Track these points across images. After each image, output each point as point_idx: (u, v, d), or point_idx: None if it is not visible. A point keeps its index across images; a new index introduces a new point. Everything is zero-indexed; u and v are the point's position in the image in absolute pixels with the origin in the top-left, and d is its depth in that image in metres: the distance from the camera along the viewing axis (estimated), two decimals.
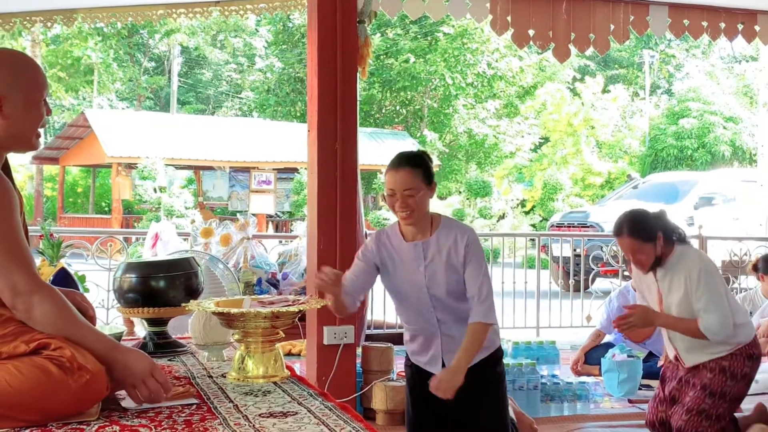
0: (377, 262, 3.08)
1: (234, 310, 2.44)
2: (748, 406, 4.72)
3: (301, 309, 2.51)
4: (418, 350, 3.14)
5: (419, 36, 28.36)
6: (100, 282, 6.04)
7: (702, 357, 3.68)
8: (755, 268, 6.21)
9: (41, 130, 2.16)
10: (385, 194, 3.06)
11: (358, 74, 4.65)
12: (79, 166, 27.66)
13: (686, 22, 5.91)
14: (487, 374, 3.09)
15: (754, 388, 5.26)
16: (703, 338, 3.58)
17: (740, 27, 6.04)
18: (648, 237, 3.62)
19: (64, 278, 3.13)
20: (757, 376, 5.40)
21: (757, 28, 6.06)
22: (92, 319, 2.31)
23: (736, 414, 3.94)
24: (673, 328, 3.69)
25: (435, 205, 23.82)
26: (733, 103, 28.01)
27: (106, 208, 26.77)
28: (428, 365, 3.11)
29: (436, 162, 26.06)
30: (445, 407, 3.01)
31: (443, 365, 3.05)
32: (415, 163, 3.07)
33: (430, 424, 3.16)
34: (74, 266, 4.70)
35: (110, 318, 6.06)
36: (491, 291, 3.01)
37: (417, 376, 3.17)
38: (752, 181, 14.44)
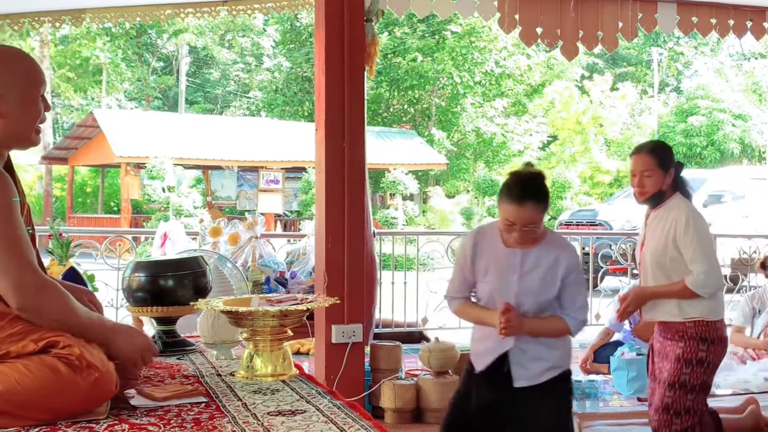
0: (470, 262, 3.00)
1: (242, 309, 2.45)
2: (738, 404, 4.71)
3: (309, 307, 2.51)
4: (483, 352, 3.02)
5: (427, 34, 28.32)
6: (109, 281, 6.05)
7: (657, 314, 3.59)
8: (763, 266, 6.18)
9: (41, 126, 2.16)
10: (500, 220, 2.95)
11: (365, 73, 4.65)
12: (88, 166, 27.72)
13: (695, 19, 5.89)
14: (557, 392, 3.00)
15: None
16: (693, 296, 3.45)
17: (749, 24, 6.01)
18: (664, 164, 3.62)
19: (73, 277, 3.14)
20: (749, 377, 5.39)
21: (765, 25, 6.03)
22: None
23: (724, 415, 3.89)
24: (666, 295, 3.54)
25: (443, 204, 23.84)
26: (742, 100, 27.91)
27: (115, 208, 26.83)
28: (490, 369, 3.00)
29: (443, 161, 26.07)
30: (502, 423, 2.96)
31: (508, 373, 2.96)
32: (539, 198, 2.96)
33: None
34: (83, 266, 4.71)
35: (119, 317, 6.07)
36: (586, 319, 3.01)
37: (477, 387, 3.04)
38: (761, 178, 14.39)
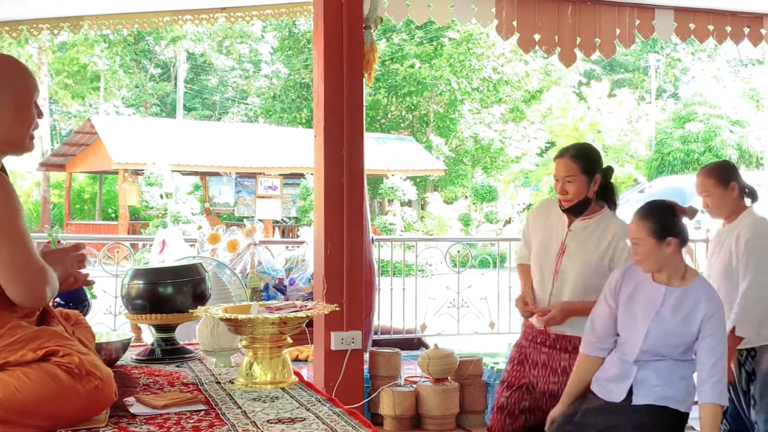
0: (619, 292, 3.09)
1: (242, 316, 2.45)
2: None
3: (309, 315, 2.51)
4: (608, 378, 3.11)
5: (424, 41, 28.37)
6: (107, 288, 6.04)
7: (565, 327, 3.42)
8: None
9: (34, 132, 2.18)
10: (630, 241, 3.07)
11: (364, 80, 4.65)
12: (85, 173, 27.72)
13: (692, 25, 5.90)
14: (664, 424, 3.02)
15: None
16: None
17: (746, 30, 6.02)
18: (588, 169, 3.42)
19: None
20: None
21: (763, 31, 6.05)
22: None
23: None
24: (585, 313, 3.35)
25: (441, 210, 23.81)
26: (739, 106, 27.95)
27: (113, 215, 26.82)
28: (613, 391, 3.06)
29: (441, 167, 26.10)
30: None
31: (629, 394, 3.02)
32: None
33: None
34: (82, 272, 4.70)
35: (117, 324, 6.06)
36: (725, 370, 2.98)
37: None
38: (759, 184, 14.40)
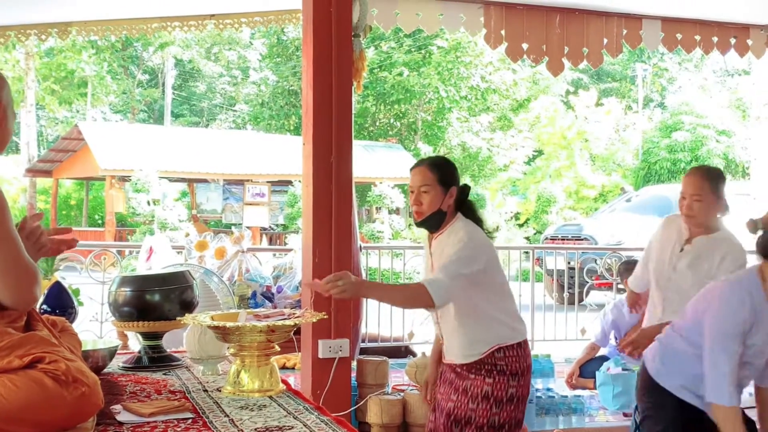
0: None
1: (230, 324, 2.44)
2: None
3: (297, 323, 2.50)
4: None
5: (413, 49, 28.43)
6: (94, 295, 6.02)
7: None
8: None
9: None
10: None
11: (353, 88, 4.66)
12: (72, 179, 27.60)
13: (679, 35, 5.94)
14: None
15: None
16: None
17: (733, 41, 6.07)
18: (444, 180, 3.22)
19: (58, 292, 3.11)
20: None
21: (749, 42, 6.10)
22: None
23: None
24: (389, 297, 3.25)
25: None
26: (725, 116, 28.11)
27: (100, 221, 26.71)
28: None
29: None
30: None
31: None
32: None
33: None
34: (68, 279, 4.67)
35: (104, 332, 6.04)
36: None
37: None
38: (745, 194, 14.46)
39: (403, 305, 3.35)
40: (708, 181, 3.75)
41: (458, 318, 3.19)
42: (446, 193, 3.20)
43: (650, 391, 3.28)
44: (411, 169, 3.30)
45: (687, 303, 3.31)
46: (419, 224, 3.31)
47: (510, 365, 3.15)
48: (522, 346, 3.22)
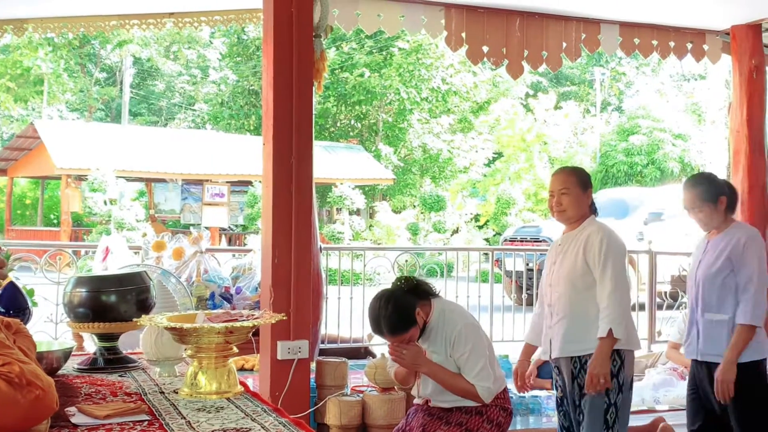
0: None
1: (187, 325, 2.42)
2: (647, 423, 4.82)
3: (256, 324, 2.49)
4: None
5: (374, 50, 28.46)
6: (48, 296, 5.93)
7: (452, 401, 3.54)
8: None
9: None
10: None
11: (313, 88, 4.65)
12: (27, 178, 27.20)
13: (637, 40, 6.02)
14: None
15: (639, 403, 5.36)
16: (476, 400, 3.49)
17: (689, 46, 6.17)
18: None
19: (12, 292, 3.05)
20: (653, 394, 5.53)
21: (705, 47, 6.20)
22: None
23: None
24: (441, 382, 3.51)
25: (389, 219, 23.84)
26: (682, 120, 28.58)
27: (55, 221, 26.33)
28: None
29: (390, 176, 26.19)
30: None
31: None
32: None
33: None
34: (23, 279, 4.60)
35: (59, 333, 5.95)
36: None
37: None
38: None
39: (452, 391, 3.53)
40: (573, 176, 3.85)
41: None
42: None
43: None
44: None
45: (569, 303, 3.63)
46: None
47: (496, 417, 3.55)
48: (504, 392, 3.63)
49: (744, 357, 3.71)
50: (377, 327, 3.50)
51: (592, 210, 3.85)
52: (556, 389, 3.90)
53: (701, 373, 3.90)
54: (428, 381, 3.55)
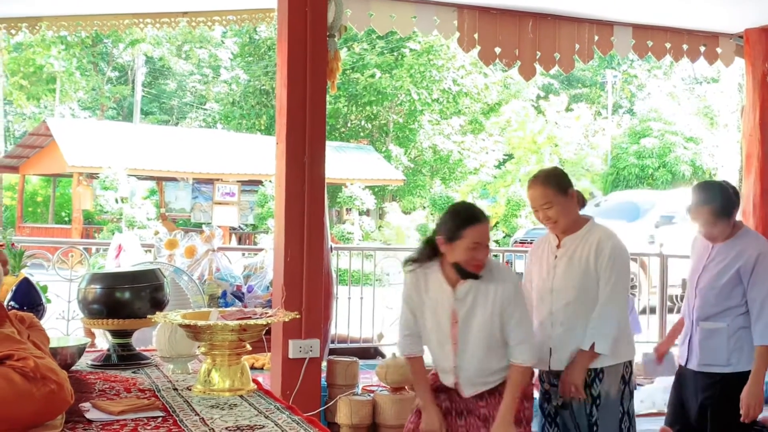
0: None
1: (201, 323, 2.43)
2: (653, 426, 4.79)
3: (270, 322, 2.50)
4: None
5: (385, 51, 28.46)
6: (60, 293, 5.95)
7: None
8: None
9: None
10: None
11: (327, 88, 4.66)
12: (39, 176, 27.29)
13: (650, 43, 6.00)
14: None
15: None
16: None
17: (702, 49, 6.15)
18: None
19: (26, 289, 3.07)
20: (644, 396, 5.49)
21: (718, 50, 6.17)
22: None
23: None
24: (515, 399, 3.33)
25: (399, 220, 23.81)
26: (693, 123, 28.47)
27: (66, 218, 26.41)
28: None
29: (400, 177, 26.19)
30: None
31: None
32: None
33: None
34: (35, 276, 4.63)
35: (70, 329, 5.98)
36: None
37: None
38: None
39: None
40: (548, 187, 3.58)
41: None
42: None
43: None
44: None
45: (582, 311, 3.50)
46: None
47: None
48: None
49: (738, 367, 3.66)
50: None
51: (581, 203, 3.72)
52: (545, 401, 3.69)
53: (689, 381, 3.81)
54: (472, 361, 3.32)
